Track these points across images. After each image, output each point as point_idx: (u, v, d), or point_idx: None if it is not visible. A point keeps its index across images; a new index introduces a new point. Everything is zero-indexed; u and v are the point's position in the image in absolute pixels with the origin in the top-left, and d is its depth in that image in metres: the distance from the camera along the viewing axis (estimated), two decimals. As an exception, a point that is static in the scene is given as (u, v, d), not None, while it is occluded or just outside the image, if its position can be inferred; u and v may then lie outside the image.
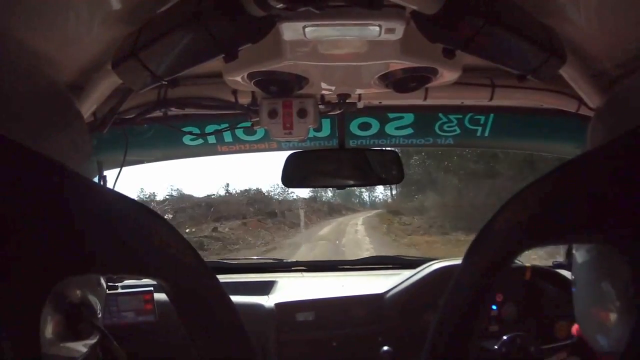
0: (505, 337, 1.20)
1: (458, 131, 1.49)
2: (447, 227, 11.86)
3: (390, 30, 0.74)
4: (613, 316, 0.39)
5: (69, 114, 0.45)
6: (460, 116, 1.45)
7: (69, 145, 0.43)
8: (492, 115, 1.43)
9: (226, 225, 14.00)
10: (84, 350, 0.42)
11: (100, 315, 0.45)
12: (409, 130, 1.49)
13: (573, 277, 0.48)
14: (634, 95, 0.45)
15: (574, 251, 0.47)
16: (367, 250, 9.41)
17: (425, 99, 1.16)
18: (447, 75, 0.93)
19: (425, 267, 1.46)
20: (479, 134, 1.48)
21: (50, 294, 0.36)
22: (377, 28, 0.73)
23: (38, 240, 0.25)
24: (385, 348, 1.27)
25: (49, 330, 0.38)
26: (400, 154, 1.32)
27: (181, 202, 17.51)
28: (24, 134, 0.37)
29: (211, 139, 1.44)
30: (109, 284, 1.27)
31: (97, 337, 0.44)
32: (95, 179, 1.03)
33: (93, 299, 0.43)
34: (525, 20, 0.72)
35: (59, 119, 0.43)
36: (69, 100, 0.46)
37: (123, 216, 0.29)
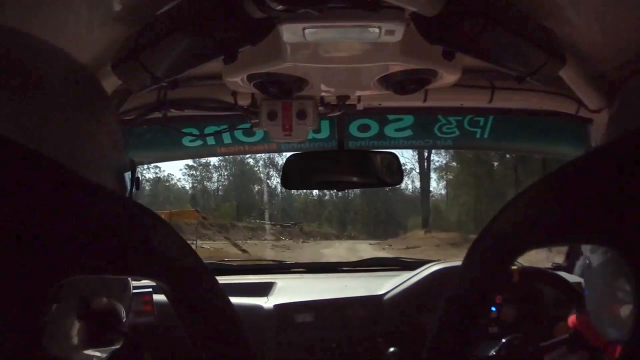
0: (503, 340, 1.20)
1: (457, 133, 1.49)
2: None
3: (390, 32, 0.73)
4: (626, 309, 0.40)
5: (100, 102, 0.43)
6: (460, 118, 1.45)
7: (105, 137, 0.42)
8: (491, 117, 1.44)
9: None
10: (106, 355, 0.42)
11: (124, 320, 0.44)
12: (409, 132, 1.49)
13: (585, 278, 0.48)
14: None
15: (588, 253, 0.47)
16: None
17: (424, 100, 1.16)
18: (447, 77, 0.93)
19: (425, 269, 1.45)
20: (478, 135, 1.48)
21: (73, 299, 0.36)
22: (377, 30, 0.73)
23: (34, 241, 0.25)
24: (392, 349, 1.27)
25: (72, 338, 0.37)
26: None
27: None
28: (60, 130, 0.36)
29: (210, 140, 1.45)
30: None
31: (121, 343, 0.43)
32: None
33: (118, 305, 0.43)
34: (524, 22, 0.72)
35: (92, 110, 0.41)
36: (99, 87, 0.44)
37: (121, 217, 0.29)
